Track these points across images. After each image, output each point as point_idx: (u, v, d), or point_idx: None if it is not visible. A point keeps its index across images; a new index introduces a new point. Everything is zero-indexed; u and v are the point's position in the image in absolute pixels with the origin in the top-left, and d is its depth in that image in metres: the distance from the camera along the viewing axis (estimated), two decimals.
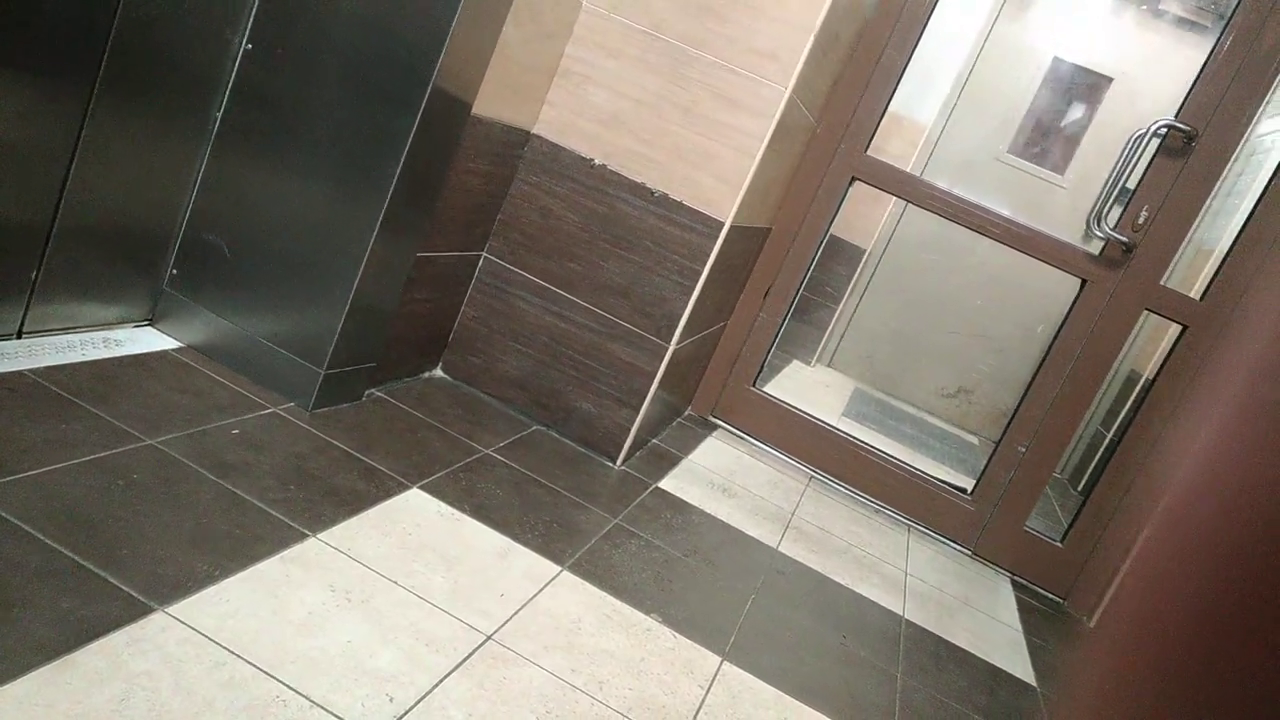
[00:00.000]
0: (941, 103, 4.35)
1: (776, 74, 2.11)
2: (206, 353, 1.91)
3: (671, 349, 2.27)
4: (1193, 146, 2.52)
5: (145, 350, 1.83)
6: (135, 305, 1.90)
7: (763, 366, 2.95)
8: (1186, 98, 2.52)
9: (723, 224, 2.18)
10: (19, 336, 1.68)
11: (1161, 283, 2.61)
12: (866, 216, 4.40)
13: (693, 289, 2.22)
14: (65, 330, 1.77)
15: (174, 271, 1.92)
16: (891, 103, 2.74)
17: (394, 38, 1.75)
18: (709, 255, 2.20)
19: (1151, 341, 4.06)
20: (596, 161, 2.23)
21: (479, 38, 1.85)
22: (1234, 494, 0.25)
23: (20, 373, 1.57)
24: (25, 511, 1.25)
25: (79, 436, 1.46)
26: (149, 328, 1.93)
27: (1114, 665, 0.28)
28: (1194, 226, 2.59)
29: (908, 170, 2.95)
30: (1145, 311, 2.65)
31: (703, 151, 2.17)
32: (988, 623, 2.37)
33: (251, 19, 1.81)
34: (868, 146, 2.75)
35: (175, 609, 1.21)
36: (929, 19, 2.66)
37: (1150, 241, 2.59)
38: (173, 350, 1.88)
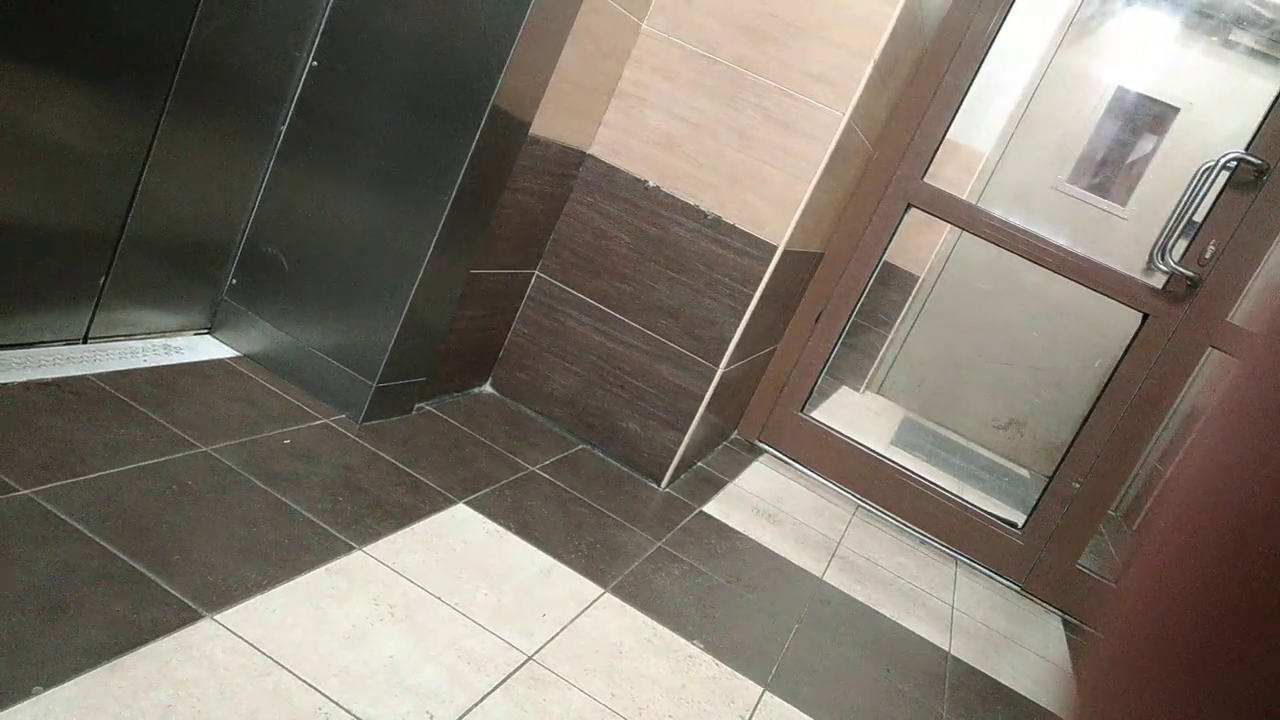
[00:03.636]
0: (1000, 130, 4.29)
1: (834, 99, 2.10)
2: (262, 362, 1.94)
3: (720, 372, 2.26)
4: (1264, 180, 2.45)
5: (203, 358, 1.87)
6: (195, 314, 1.94)
7: (812, 392, 2.92)
8: (1258, 130, 2.45)
9: (776, 248, 2.17)
10: (85, 341, 1.72)
11: (1228, 319, 2.54)
12: (920, 243, 4.34)
13: (743, 312, 2.21)
14: (128, 336, 1.81)
15: (234, 282, 1.96)
16: (950, 129, 2.71)
17: (455, 58, 1.78)
18: (761, 279, 2.19)
19: (1216, 379, 3.95)
20: (650, 183, 2.24)
21: (539, 59, 1.86)
22: (1234, 492, 0.24)
23: (84, 377, 1.61)
24: (83, 514, 1.28)
25: (137, 441, 1.49)
26: (208, 336, 1.97)
27: (1118, 661, 0.27)
28: (1264, 261, 2.52)
29: (964, 198, 2.91)
30: (1210, 348, 2.58)
31: (757, 175, 2.16)
32: (1036, 662, 2.30)
33: (318, 37, 1.85)
34: (925, 173, 2.72)
35: (223, 617, 1.22)
36: (990, 46, 2.63)
37: (1216, 276, 2.52)
38: (229, 359, 1.92)
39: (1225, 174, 2.49)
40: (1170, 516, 0.27)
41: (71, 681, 1.02)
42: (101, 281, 1.71)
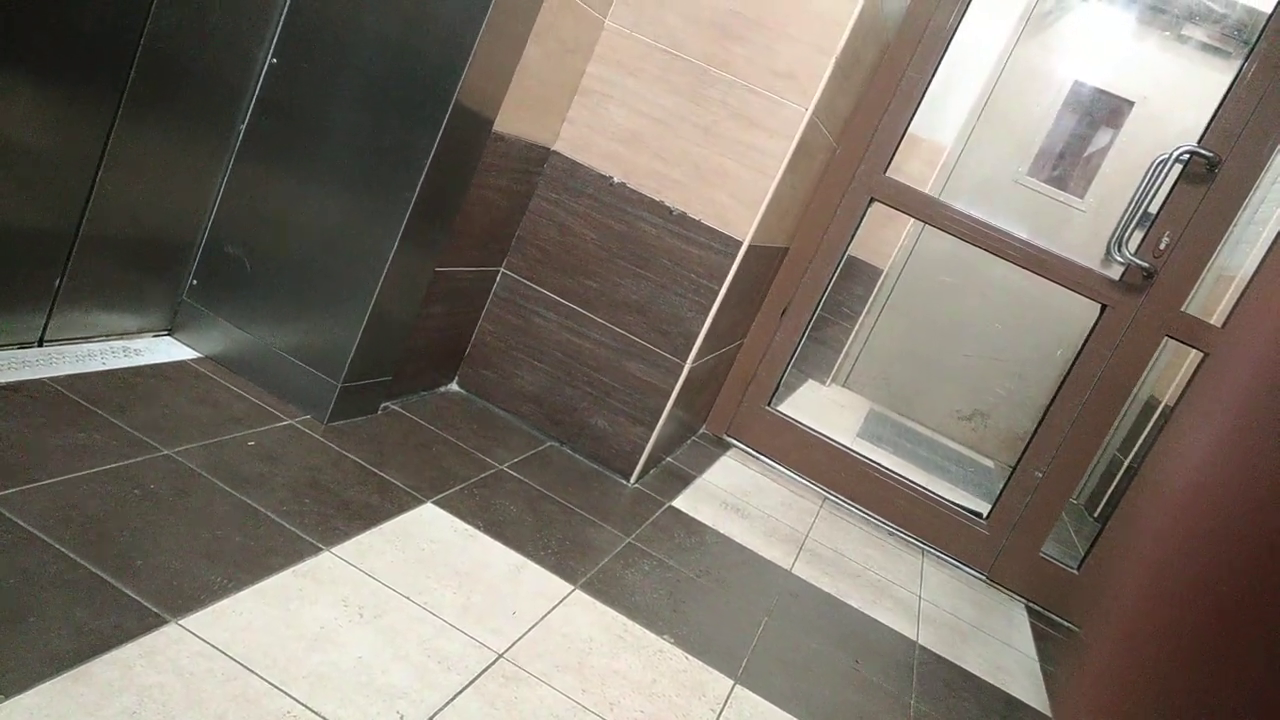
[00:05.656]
0: (961, 124, 4.34)
1: (797, 95, 2.12)
2: (224, 363, 1.92)
3: (687, 367, 2.26)
4: (1215, 173, 2.50)
5: (164, 360, 1.84)
6: (155, 315, 1.91)
7: (778, 386, 2.94)
8: (1209, 124, 2.50)
9: (741, 243, 2.18)
10: (40, 344, 1.69)
11: (1182, 309, 2.59)
12: (884, 236, 4.39)
13: (710, 308, 2.22)
14: (86, 339, 1.78)
15: (194, 282, 1.93)
16: (911, 124, 2.73)
17: (418, 55, 1.76)
18: (727, 274, 2.20)
19: (1171, 367, 4.03)
20: (616, 179, 2.24)
21: (502, 55, 1.86)
22: (1232, 497, 0.25)
23: (41, 380, 1.58)
24: (42, 520, 1.26)
25: (97, 445, 1.47)
26: (168, 338, 1.94)
27: (1111, 665, 0.28)
28: (1216, 253, 2.57)
29: (926, 192, 2.94)
30: (1165, 338, 2.63)
31: (722, 171, 2.17)
32: (1002, 650, 2.34)
33: (277, 34, 1.83)
34: (887, 168, 2.75)
35: (188, 621, 1.20)
36: (950, 41, 2.66)
37: (1171, 267, 2.57)
38: (191, 360, 1.89)
39: (1178, 167, 2.54)
40: (1168, 517, 0.27)
41: (34, 690, 1.01)
42: (57, 283, 1.68)
